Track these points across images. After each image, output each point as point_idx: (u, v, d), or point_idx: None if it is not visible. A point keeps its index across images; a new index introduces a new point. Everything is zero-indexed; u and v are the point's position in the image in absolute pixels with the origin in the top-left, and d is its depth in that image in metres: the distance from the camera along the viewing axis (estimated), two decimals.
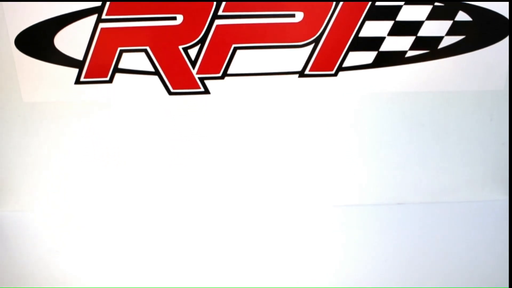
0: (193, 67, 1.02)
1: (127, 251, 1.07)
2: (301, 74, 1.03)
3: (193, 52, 1.01)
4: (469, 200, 1.18)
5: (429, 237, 1.09)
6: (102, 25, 0.98)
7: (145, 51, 1.00)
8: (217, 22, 0.98)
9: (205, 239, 1.09)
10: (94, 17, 0.98)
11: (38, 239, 1.11)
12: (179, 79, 1.03)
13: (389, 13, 0.99)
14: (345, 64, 1.02)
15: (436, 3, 0.98)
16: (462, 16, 1.00)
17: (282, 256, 1.05)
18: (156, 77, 1.02)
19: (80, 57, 1.00)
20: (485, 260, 1.03)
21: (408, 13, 0.99)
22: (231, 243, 1.08)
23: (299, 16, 0.99)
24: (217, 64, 1.02)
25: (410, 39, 1.02)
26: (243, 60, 1.02)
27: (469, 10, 0.99)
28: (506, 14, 0.99)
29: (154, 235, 1.11)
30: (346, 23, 0.99)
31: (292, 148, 1.12)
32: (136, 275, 1.01)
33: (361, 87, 1.05)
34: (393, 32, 1.01)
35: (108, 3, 0.97)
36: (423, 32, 1.01)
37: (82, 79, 1.03)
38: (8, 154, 1.11)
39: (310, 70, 1.03)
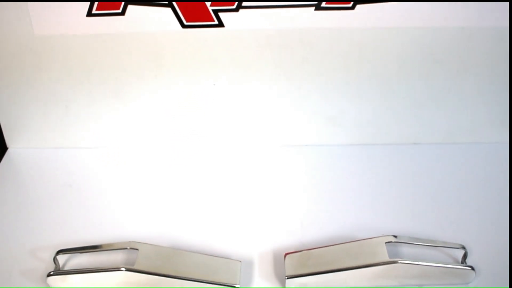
0: None
1: (134, 185, 1.09)
2: (318, 6, 1.00)
3: None
4: (487, 142, 1.17)
5: (444, 177, 1.09)
6: None
7: None
8: None
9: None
10: None
11: (52, 174, 1.12)
12: (192, 12, 1.00)
13: None
14: None
15: None
16: None
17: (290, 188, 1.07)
18: (169, 9, 1.00)
19: None
20: (499, 200, 1.03)
21: None
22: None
23: None
24: None
25: None
26: None
27: None
28: None
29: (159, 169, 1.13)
30: None
31: (304, 81, 1.10)
32: (140, 205, 1.04)
33: (378, 21, 1.01)
34: None
35: None
36: None
37: (93, 11, 1.00)
38: (20, 90, 1.10)
39: (326, 3, 1.00)
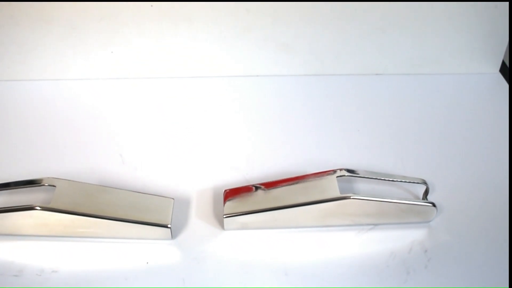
0: None
1: (59, 120, 0.98)
2: None
3: None
4: (454, 73, 1.08)
5: (407, 111, 0.99)
6: None
7: None
8: None
9: None
10: None
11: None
12: None
13: None
14: None
15: None
16: None
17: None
18: None
19: None
20: (463, 135, 0.94)
21: None
22: None
23: None
24: None
25: None
26: None
27: None
28: None
29: None
30: None
31: (252, 4, 0.97)
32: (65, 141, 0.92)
33: None
34: None
35: None
36: None
37: None
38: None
39: None
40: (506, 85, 1.05)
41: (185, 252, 0.75)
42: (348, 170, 0.79)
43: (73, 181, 0.78)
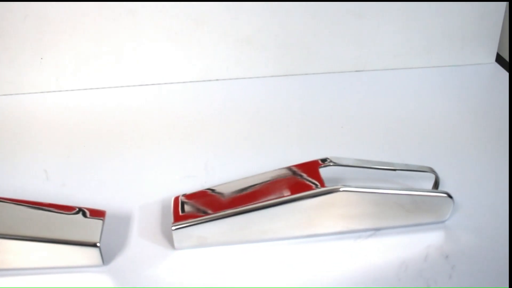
0: None
1: None
2: None
3: None
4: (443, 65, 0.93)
5: (398, 104, 0.83)
6: None
7: None
8: None
9: None
10: None
11: None
12: None
13: None
14: None
15: None
16: None
17: None
18: None
19: None
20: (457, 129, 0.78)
21: None
22: None
23: None
24: None
25: None
26: None
27: None
28: None
29: None
30: None
31: None
32: None
33: None
34: None
35: None
36: None
37: None
38: None
39: None
40: (505, 74, 0.90)
41: (121, 281, 0.55)
42: (334, 159, 0.61)
43: None
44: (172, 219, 0.57)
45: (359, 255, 0.57)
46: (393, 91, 0.86)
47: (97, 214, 0.58)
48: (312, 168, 0.60)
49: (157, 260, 0.57)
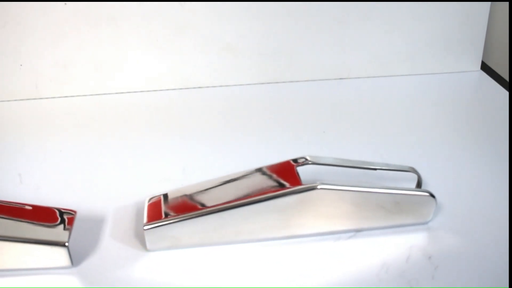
0: None
1: None
2: None
3: None
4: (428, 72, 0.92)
5: (373, 113, 0.82)
6: None
7: None
8: None
9: None
10: None
11: None
12: None
13: None
14: None
15: None
16: None
17: None
18: None
19: None
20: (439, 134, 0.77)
21: None
22: None
23: None
24: None
25: None
26: None
27: None
28: None
29: None
30: None
31: None
32: None
33: None
34: None
35: None
36: None
37: None
38: None
39: None
40: (491, 82, 0.89)
41: (89, 282, 0.52)
42: (311, 157, 0.60)
43: None
44: (145, 220, 0.56)
45: (339, 257, 0.55)
46: (377, 98, 0.85)
47: (67, 214, 0.56)
48: (288, 167, 0.58)
49: (129, 261, 0.54)
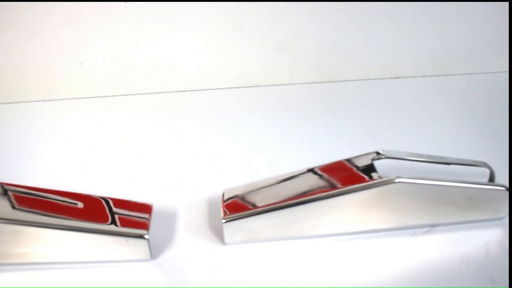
0: None
1: None
2: None
3: None
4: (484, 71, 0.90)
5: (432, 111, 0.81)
6: None
7: None
8: None
9: None
10: None
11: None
12: None
13: None
14: None
15: None
16: None
17: None
18: None
19: None
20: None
21: None
22: None
23: None
24: None
25: None
26: None
27: None
28: None
29: None
30: None
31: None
32: None
33: None
34: None
35: None
36: None
37: None
38: None
39: None
40: None
41: (170, 275, 0.53)
42: (386, 152, 0.59)
43: (18, 185, 0.57)
44: (221, 214, 0.56)
45: (416, 251, 0.55)
46: (432, 96, 0.85)
47: (144, 207, 0.57)
48: (365, 161, 0.58)
49: (207, 254, 0.55)
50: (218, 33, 0.83)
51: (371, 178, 0.55)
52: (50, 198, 0.56)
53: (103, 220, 0.54)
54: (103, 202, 0.57)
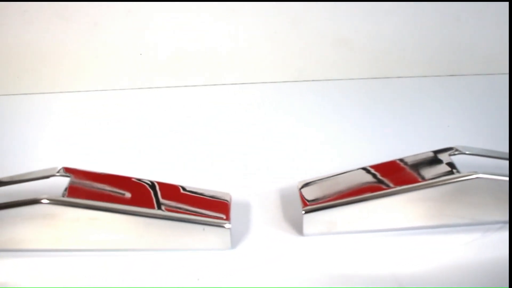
0: None
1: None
2: None
3: None
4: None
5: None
6: None
7: None
8: None
9: None
10: None
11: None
12: None
13: None
14: None
15: None
16: None
17: None
18: None
19: None
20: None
21: None
22: None
23: None
24: None
25: None
26: None
27: None
28: None
29: None
30: None
31: None
32: None
33: None
34: None
35: None
36: None
37: None
38: None
39: None
40: None
41: (251, 264, 0.53)
42: (461, 148, 0.60)
43: (95, 172, 0.58)
44: (299, 205, 0.56)
45: (491, 248, 0.55)
46: (492, 94, 0.85)
47: (223, 196, 0.58)
48: (442, 156, 0.59)
49: (286, 245, 0.55)
50: (277, 28, 0.84)
51: (450, 173, 0.55)
52: (126, 185, 0.57)
53: (184, 208, 0.55)
54: (182, 190, 0.58)
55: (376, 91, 0.86)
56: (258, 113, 0.81)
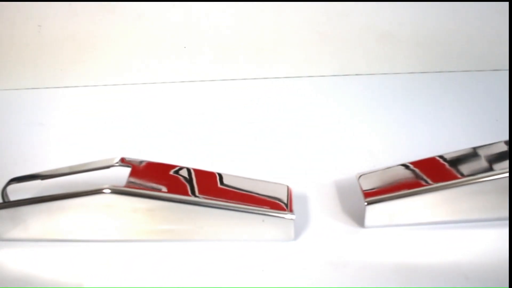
0: None
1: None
2: None
3: None
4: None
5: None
6: None
7: None
8: None
9: None
10: None
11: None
12: None
13: None
14: None
15: None
16: None
17: None
18: None
19: None
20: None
21: None
22: None
23: None
24: None
25: None
26: None
27: None
28: None
29: None
30: None
31: None
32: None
33: None
34: None
35: None
36: None
37: None
38: None
39: None
40: None
41: (314, 256, 0.53)
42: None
43: (154, 162, 0.58)
44: (360, 196, 0.56)
45: None
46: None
47: (283, 189, 0.57)
48: (497, 148, 0.58)
49: (348, 237, 0.55)
50: (322, 20, 0.83)
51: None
52: (185, 175, 0.57)
53: (248, 199, 0.54)
54: (240, 181, 0.57)
55: (419, 85, 0.85)
56: (308, 106, 0.81)
